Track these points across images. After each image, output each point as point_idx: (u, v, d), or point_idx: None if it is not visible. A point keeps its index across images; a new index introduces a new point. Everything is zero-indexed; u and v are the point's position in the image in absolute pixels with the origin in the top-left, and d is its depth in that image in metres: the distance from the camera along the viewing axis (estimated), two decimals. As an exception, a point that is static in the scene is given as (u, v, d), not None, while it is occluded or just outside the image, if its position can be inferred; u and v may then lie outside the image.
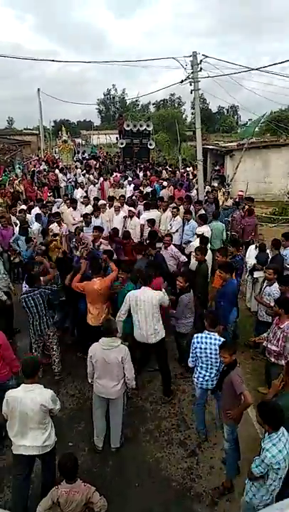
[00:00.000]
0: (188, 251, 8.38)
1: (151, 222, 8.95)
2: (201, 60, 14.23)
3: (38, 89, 29.77)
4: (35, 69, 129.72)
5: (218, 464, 4.76)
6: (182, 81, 14.58)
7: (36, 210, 10.78)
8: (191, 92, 14.49)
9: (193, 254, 7.33)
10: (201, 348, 4.67)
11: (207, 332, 4.71)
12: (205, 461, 4.85)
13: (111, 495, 4.33)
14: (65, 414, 5.57)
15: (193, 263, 7.43)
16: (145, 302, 5.42)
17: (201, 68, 14.38)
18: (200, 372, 4.80)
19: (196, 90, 14.15)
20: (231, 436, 4.34)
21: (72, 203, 10.94)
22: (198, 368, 4.81)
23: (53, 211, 10.67)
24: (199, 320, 6.49)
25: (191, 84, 14.37)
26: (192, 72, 14.12)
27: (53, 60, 26.57)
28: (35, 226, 9.67)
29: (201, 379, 4.79)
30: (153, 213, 9.83)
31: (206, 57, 14.22)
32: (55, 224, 9.48)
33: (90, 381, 4.91)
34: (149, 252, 7.51)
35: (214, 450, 4.96)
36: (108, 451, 4.96)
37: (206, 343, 4.65)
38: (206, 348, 4.63)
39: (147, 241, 8.28)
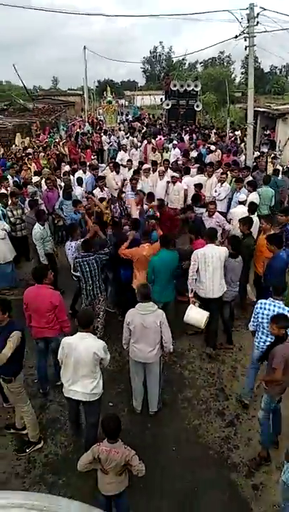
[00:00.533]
0: (229, 217, 8.03)
1: (198, 186, 8.70)
2: (258, 13, 13.14)
3: (84, 47, 28.95)
4: (80, 27, 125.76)
5: (257, 436, 4.72)
6: (236, 36, 13.59)
7: (79, 173, 10.73)
8: (246, 49, 13.51)
9: (236, 224, 7.01)
10: (263, 314, 4.62)
11: (272, 299, 4.64)
12: (243, 432, 4.84)
13: (148, 457, 4.49)
14: (106, 376, 5.70)
15: (238, 232, 7.14)
16: (213, 258, 5.62)
17: (257, 22, 13.32)
18: (260, 337, 4.77)
19: (251, 46, 13.16)
20: (268, 406, 4.29)
21: (115, 167, 10.76)
22: (260, 333, 4.78)
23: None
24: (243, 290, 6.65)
25: (245, 40, 13.38)
26: (248, 27, 13.10)
27: (100, 14, 25.63)
28: (78, 190, 9.65)
29: (261, 343, 4.74)
30: (197, 178, 9.54)
31: (264, 9, 13.08)
32: (98, 188, 9.39)
33: (125, 347, 4.95)
34: (189, 215, 7.34)
35: (252, 422, 4.93)
36: (147, 414, 5.07)
37: (268, 309, 4.58)
38: (268, 315, 4.54)
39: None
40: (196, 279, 5.80)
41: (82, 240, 6.29)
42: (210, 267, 5.61)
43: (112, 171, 10.78)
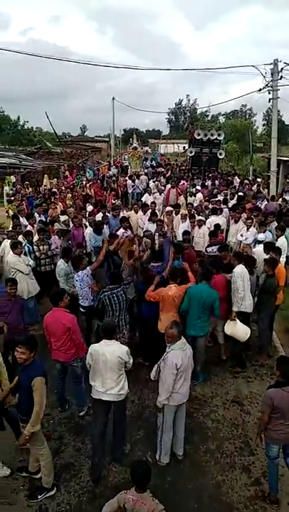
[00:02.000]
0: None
1: (216, 226, 9.00)
2: (282, 68, 13.80)
3: (113, 98, 30.77)
4: (108, 80, 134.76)
5: (287, 498, 4.34)
6: (260, 89, 14.22)
7: (99, 215, 10.84)
8: (269, 101, 14.07)
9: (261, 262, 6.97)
10: None
11: None
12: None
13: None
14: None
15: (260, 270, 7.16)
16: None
17: (281, 76, 13.94)
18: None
19: (275, 99, 13.69)
20: (271, 454, 4.16)
21: (143, 207, 10.99)
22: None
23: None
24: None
25: (269, 93, 13.97)
26: (272, 80, 13.72)
27: (128, 67, 27.35)
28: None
29: None
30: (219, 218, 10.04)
31: (288, 64, 13.76)
32: (122, 229, 9.47)
33: (167, 401, 4.47)
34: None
35: (280, 482, 4.52)
36: (166, 466, 4.75)
37: None
38: None
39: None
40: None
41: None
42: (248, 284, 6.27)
43: (136, 212, 11.00)
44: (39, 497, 4.29)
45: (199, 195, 14.20)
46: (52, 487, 4.38)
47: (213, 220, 10.09)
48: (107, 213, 10.65)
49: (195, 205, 12.21)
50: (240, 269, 6.38)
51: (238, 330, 6.31)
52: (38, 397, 3.93)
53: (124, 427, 4.86)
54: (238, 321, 6.33)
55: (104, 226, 9.52)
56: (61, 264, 7.24)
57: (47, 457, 4.29)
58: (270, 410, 3.98)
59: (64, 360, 5.24)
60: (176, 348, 4.45)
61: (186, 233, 8.38)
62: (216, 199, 12.62)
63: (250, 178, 19.27)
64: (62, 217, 10.10)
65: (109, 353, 4.31)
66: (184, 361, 4.41)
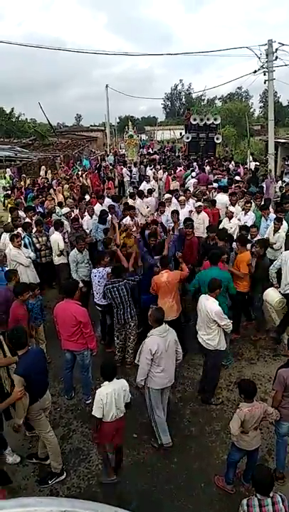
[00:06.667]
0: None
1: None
2: (276, 49, 13.59)
3: (106, 86, 30.45)
4: (103, 68, 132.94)
5: (291, 475, 4.44)
6: (255, 71, 14.04)
7: (98, 206, 10.73)
8: (265, 82, 13.89)
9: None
10: None
11: None
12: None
13: (175, 492, 4.28)
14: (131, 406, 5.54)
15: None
16: None
17: (276, 57, 13.73)
18: None
19: (271, 80, 13.52)
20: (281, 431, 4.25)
21: (140, 196, 11.01)
22: None
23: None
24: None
25: (264, 74, 13.78)
26: (267, 61, 13.53)
27: (124, 54, 26.88)
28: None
29: None
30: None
31: (282, 45, 13.55)
32: (128, 217, 9.42)
33: (142, 383, 4.70)
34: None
35: (287, 460, 4.62)
36: (172, 446, 4.84)
37: None
38: None
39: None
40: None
41: (111, 267, 6.32)
42: None
43: (134, 200, 10.96)
44: (49, 482, 4.40)
45: (192, 181, 14.05)
46: (62, 472, 4.48)
47: (222, 197, 10.44)
48: (112, 203, 10.62)
49: (191, 190, 12.16)
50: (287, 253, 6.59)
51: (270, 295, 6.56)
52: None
53: None
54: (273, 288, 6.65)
55: (113, 216, 9.50)
56: (73, 252, 7.40)
57: (52, 441, 4.38)
58: (283, 389, 4.05)
59: (74, 349, 5.34)
60: (155, 333, 4.57)
61: (188, 220, 8.36)
62: (212, 186, 12.56)
63: (248, 161, 19.05)
64: (64, 210, 10.04)
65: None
66: (161, 347, 4.49)
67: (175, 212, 8.74)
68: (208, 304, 5.16)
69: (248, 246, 6.99)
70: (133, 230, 8.13)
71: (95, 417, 3.99)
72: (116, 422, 4.09)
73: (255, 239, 7.27)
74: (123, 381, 4.22)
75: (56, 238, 8.29)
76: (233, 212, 9.04)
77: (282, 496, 3.16)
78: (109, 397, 3.96)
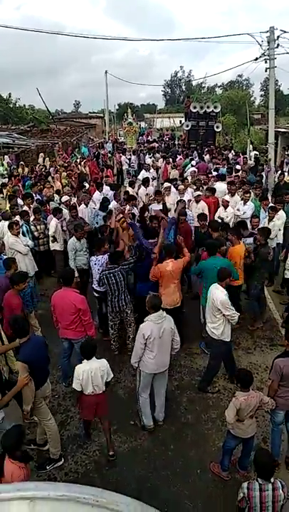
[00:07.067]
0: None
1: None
2: (278, 36, 13.37)
3: (106, 72, 29.98)
4: (102, 54, 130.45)
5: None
6: (257, 58, 13.83)
7: (96, 194, 10.63)
8: (266, 70, 13.71)
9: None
10: None
11: None
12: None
13: (171, 479, 4.35)
14: (127, 393, 5.62)
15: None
16: None
17: (278, 44, 13.52)
18: None
19: (272, 68, 13.34)
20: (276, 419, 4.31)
21: (144, 183, 11.09)
22: None
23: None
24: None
25: (266, 62, 13.59)
26: (268, 49, 13.33)
27: (123, 39, 26.38)
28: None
29: None
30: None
31: (284, 32, 13.33)
32: (128, 206, 9.35)
33: (136, 365, 4.82)
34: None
35: (281, 448, 4.68)
36: (169, 434, 4.92)
37: None
38: None
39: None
40: None
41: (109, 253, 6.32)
42: None
43: (134, 188, 10.93)
44: (48, 467, 4.46)
45: (191, 169, 13.94)
46: (59, 458, 4.54)
47: (221, 185, 10.47)
48: (110, 191, 10.56)
49: (189, 179, 12.09)
50: None
51: None
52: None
53: None
54: None
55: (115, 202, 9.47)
56: (71, 240, 7.39)
57: (52, 429, 4.44)
58: (279, 379, 4.10)
59: (72, 337, 5.37)
60: (150, 319, 4.62)
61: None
62: (211, 175, 12.49)
63: (248, 150, 18.91)
64: (64, 198, 9.97)
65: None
66: (155, 333, 4.55)
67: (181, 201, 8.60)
68: (216, 293, 5.18)
69: (251, 239, 7.00)
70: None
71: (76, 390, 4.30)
72: (95, 396, 4.33)
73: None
74: (103, 361, 4.38)
75: (52, 224, 8.37)
76: (228, 202, 8.96)
77: (282, 482, 3.22)
78: (86, 375, 4.20)
